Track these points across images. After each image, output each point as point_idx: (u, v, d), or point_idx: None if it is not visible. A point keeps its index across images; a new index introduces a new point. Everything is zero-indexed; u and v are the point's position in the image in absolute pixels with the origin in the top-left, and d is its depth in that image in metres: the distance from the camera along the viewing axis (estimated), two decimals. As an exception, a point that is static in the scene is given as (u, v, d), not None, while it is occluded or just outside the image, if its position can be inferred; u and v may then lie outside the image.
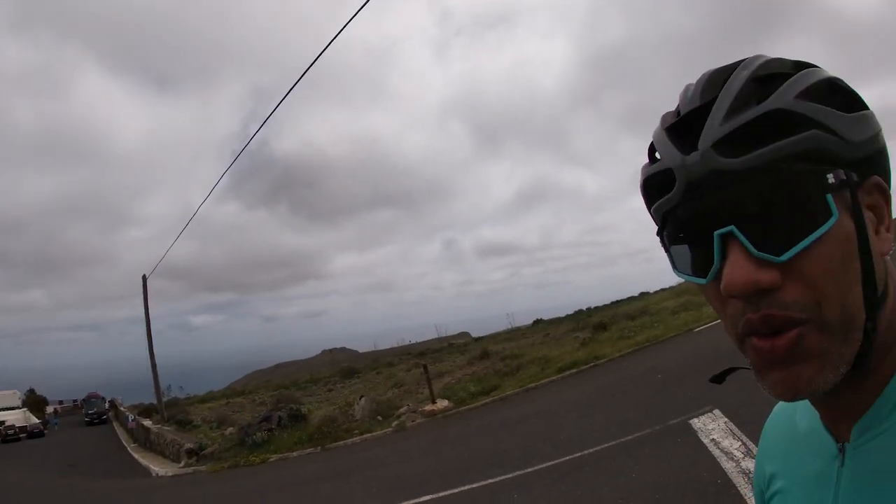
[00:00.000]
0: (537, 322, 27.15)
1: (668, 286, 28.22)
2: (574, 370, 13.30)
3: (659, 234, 0.60)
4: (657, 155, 0.59)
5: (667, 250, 0.60)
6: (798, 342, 0.51)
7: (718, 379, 0.69)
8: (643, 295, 28.79)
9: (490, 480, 6.38)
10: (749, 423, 6.05)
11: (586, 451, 6.68)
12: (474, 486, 6.32)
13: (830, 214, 0.50)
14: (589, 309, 28.31)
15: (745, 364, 0.62)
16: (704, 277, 0.55)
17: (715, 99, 0.54)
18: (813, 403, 0.64)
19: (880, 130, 0.57)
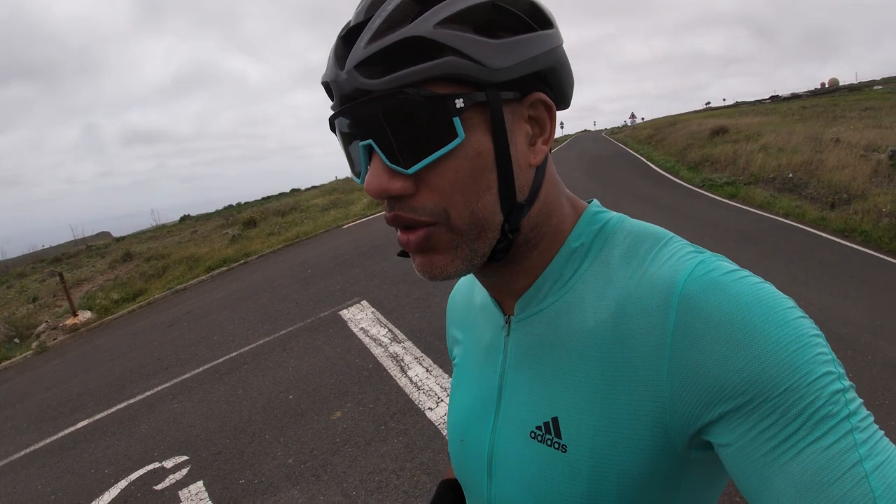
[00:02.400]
0: (184, 218, 25.66)
1: (318, 184, 28.95)
2: (224, 268, 13.07)
3: (333, 133, 0.65)
4: (327, 64, 0.61)
5: (342, 149, 0.65)
6: (427, 238, 0.60)
7: (406, 253, 0.71)
8: (294, 192, 29.02)
9: (148, 392, 6.13)
10: (393, 312, 6.69)
11: (242, 350, 6.77)
12: (132, 401, 6.01)
13: (456, 136, 0.56)
14: (239, 204, 27.72)
15: None
16: (360, 179, 0.62)
17: (355, 27, 0.58)
18: (481, 282, 0.76)
19: (550, 49, 0.62)
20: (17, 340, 10.70)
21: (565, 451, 0.63)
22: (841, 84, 49.50)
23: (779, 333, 0.50)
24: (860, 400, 0.50)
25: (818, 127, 19.08)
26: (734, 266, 0.58)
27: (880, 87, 42.91)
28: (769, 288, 0.55)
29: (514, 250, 0.67)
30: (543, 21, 0.62)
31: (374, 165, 0.60)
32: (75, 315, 10.89)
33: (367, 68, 0.56)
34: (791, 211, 10.83)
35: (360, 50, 0.56)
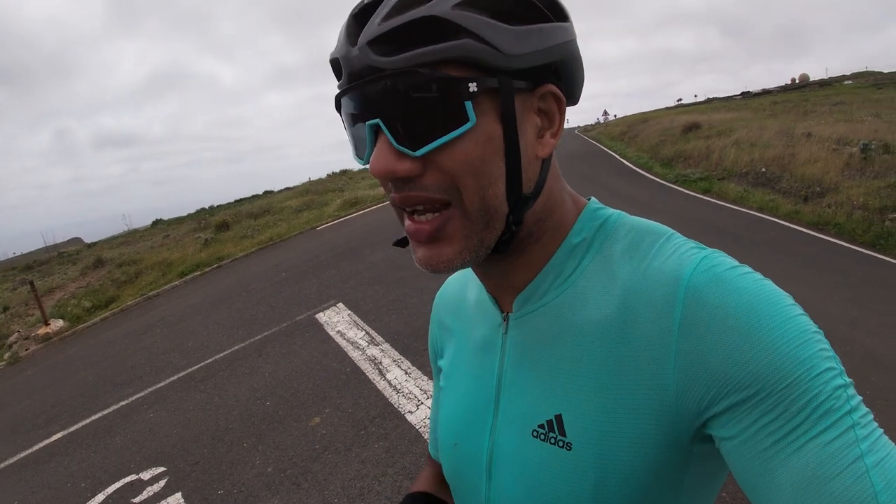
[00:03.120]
0: (157, 222, 25.28)
1: (292, 185, 28.72)
2: (198, 272, 12.90)
3: (338, 113, 0.64)
4: (337, 41, 0.61)
5: (346, 131, 0.64)
6: (441, 227, 0.59)
7: (402, 243, 0.71)
8: (267, 193, 28.77)
9: (123, 402, 6.03)
10: (370, 314, 6.66)
11: (217, 356, 6.69)
12: (107, 411, 5.91)
13: (467, 119, 0.55)
14: (212, 207, 27.44)
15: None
16: (364, 160, 0.61)
17: (368, 5, 0.58)
18: (478, 277, 0.75)
19: (565, 42, 0.61)
20: (-13, 351, 10.46)
21: (570, 448, 0.62)
22: (811, 80, 50.14)
23: (783, 329, 0.51)
24: (860, 397, 0.50)
25: (790, 122, 19.35)
26: (736, 262, 0.59)
27: (850, 82, 43.63)
28: (771, 284, 0.56)
29: (516, 243, 0.66)
30: (560, 13, 0.62)
31: (380, 146, 0.58)
32: (47, 324, 10.69)
33: (380, 46, 0.55)
34: (765, 205, 10.99)
35: (375, 27, 0.55)
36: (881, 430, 0.49)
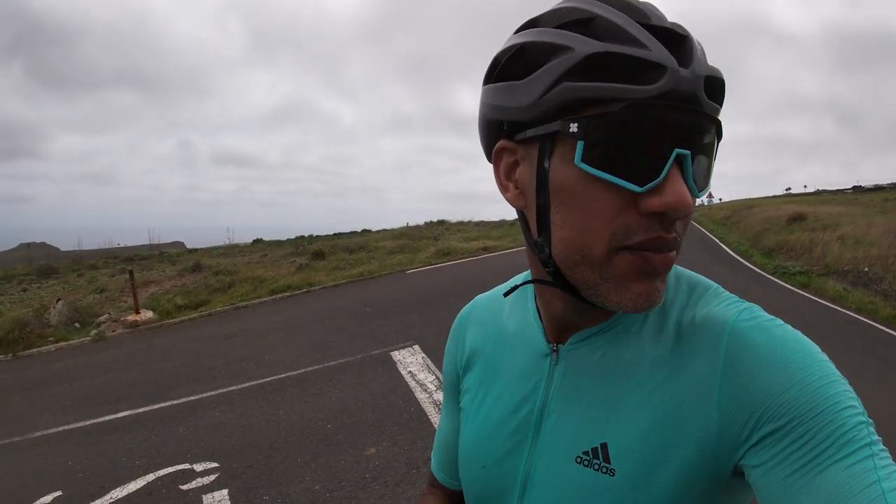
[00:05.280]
0: (257, 241, 26.32)
1: (389, 227, 29.35)
2: (287, 293, 13.26)
3: (578, 117, 0.57)
4: (638, 40, 0.55)
5: (581, 137, 0.57)
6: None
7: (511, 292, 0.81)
8: (365, 231, 29.50)
9: (192, 397, 6.20)
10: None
11: (290, 374, 6.79)
12: (176, 402, 6.09)
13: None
14: (311, 236, 28.32)
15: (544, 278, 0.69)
16: (638, 184, 0.56)
17: (686, 36, 0.57)
18: (549, 306, 0.74)
19: None
20: (77, 325, 11.03)
21: (613, 475, 0.64)
22: (927, 176, 47.19)
23: (813, 368, 0.56)
24: (879, 438, 0.54)
25: (900, 221, 18.35)
26: (771, 316, 0.64)
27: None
28: (802, 335, 0.61)
29: None
30: None
31: (678, 178, 0.56)
32: (138, 312, 11.21)
33: (709, 85, 0.58)
34: (863, 306, 10.44)
35: (708, 65, 0.58)
36: None
